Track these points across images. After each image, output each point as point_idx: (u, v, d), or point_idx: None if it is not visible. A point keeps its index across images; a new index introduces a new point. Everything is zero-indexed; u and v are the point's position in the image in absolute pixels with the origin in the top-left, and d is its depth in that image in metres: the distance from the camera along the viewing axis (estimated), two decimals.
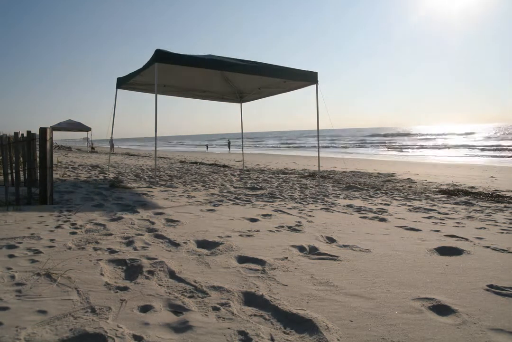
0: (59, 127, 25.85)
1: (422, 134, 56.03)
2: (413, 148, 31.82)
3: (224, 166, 12.15)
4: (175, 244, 2.66)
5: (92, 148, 27.30)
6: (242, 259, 2.40)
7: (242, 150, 11.86)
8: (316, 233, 3.17)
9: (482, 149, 27.42)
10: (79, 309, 1.58)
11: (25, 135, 4.78)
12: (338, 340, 1.42)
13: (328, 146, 37.08)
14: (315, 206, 4.73)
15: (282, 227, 3.38)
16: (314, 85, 7.45)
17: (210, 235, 2.95)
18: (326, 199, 5.45)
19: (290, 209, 4.45)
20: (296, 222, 3.64)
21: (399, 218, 4.07)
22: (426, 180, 8.63)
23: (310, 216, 4.03)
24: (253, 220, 3.64)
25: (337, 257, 2.49)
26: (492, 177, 9.76)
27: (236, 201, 4.91)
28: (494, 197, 5.97)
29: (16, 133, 5.06)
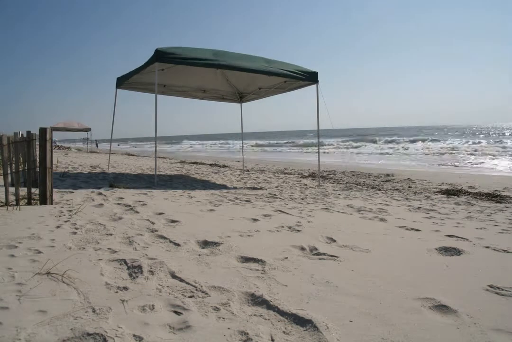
0: (58, 127, 25.90)
1: None
2: None
3: (224, 166, 12.15)
4: (175, 244, 2.66)
5: (96, 145, 27.43)
6: (242, 259, 2.40)
7: (242, 151, 11.86)
8: (316, 233, 3.17)
9: None
10: (79, 309, 1.58)
11: (25, 135, 4.78)
12: (338, 340, 1.42)
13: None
14: (315, 206, 4.73)
15: (282, 227, 3.38)
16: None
17: (210, 235, 2.95)
18: (326, 199, 5.45)
19: (290, 209, 4.45)
20: (296, 222, 3.64)
21: (399, 218, 4.07)
22: (426, 180, 8.63)
23: (310, 216, 4.02)
24: (253, 220, 3.64)
25: (337, 257, 2.49)
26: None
27: (236, 201, 4.91)
28: (494, 197, 5.97)
29: (16, 133, 5.07)
